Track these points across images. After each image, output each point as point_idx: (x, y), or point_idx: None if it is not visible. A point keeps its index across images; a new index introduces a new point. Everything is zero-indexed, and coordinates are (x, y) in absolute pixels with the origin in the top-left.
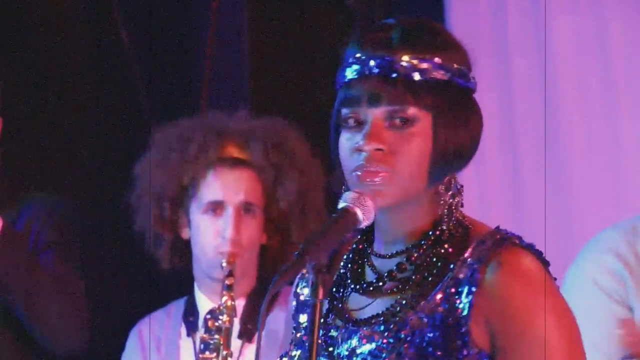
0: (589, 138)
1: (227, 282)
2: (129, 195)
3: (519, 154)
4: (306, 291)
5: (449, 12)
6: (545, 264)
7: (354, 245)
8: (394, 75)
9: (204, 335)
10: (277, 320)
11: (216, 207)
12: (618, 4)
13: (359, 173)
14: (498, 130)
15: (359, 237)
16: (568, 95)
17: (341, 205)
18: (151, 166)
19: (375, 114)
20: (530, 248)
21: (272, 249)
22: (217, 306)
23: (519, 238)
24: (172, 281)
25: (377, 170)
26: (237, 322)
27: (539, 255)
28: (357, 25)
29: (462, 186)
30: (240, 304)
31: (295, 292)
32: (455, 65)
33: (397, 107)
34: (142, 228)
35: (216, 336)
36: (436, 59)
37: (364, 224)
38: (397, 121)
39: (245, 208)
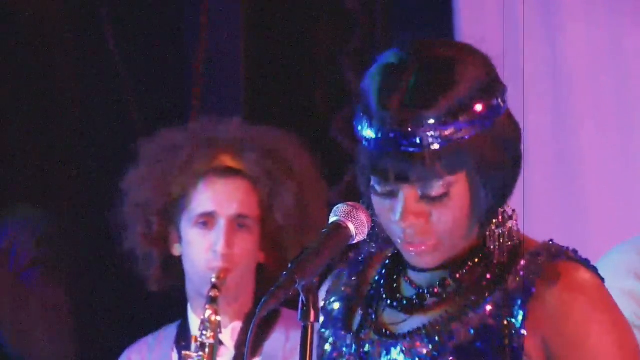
0: (603, 147)
1: (211, 294)
2: (117, 211)
3: (530, 165)
4: (337, 306)
5: (458, 16)
6: (601, 280)
7: (387, 261)
8: (419, 149)
9: (187, 352)
10: (276, 345)
11: (207, 220)
12: (633, 11)
13: (401, 243)
14: None
15: (393, 251)
16: (581, 104)
17: (332, 219)
18: (138, 178)
19: (405, 188)
20: (585, 263)
21: (270, 267)
22: (200, 321)
23: (575, 252)
24: (166, 303)
25: (420, 241)
26: (232, 346)
27: (594, 270)
28: (359, 32)
29: (514, 210)
30: (237, 326)
31: (324, 306)
32: (483, 106)
33: (428, 182)
34: (131, 245)
35: (200, 353)
36: (461, 118)
37: (357, 239)
38: (430, 191)
39: (238, 221)
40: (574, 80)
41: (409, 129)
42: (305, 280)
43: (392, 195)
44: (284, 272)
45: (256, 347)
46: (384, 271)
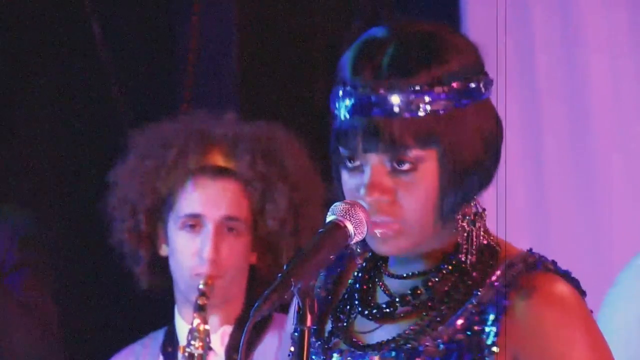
0: (623, 141)
1: (199, 302)
2: (103, 208)
3: (544, 162)
4: None
5: (464, 2)
6: (582, 293)
7: (364, 264)
8: (390, 116)
9: None
10: (268, 350)
11: (194, 222)
12: None
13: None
14: (521, 138)
15: (369, 255)
16: (599, 95)
17: (329, 218)
18: (126, 173)
19: (373, 159)
20: (566, 275)
21: (263, 270)
22: (188, 330)
23: (554, 263)
24: (155, 308)
25: (384, 221)
26: (222, 351)
27: (575, 283)
28: (361, 17)
29: (484, 209)
30: (227, 331)
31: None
32: (460, 85)
33: (397, 151)
34: (117, 243)
35: None
36: (436, 89)
37: (356, 239)
38: (399, 165)
39: (227, 224)
40: (592, 69)
41: (381, 94)
42: (301, 282)
43: (360, 171)
44: (279, 274)
45: (248, 352)
46: (359, 275)
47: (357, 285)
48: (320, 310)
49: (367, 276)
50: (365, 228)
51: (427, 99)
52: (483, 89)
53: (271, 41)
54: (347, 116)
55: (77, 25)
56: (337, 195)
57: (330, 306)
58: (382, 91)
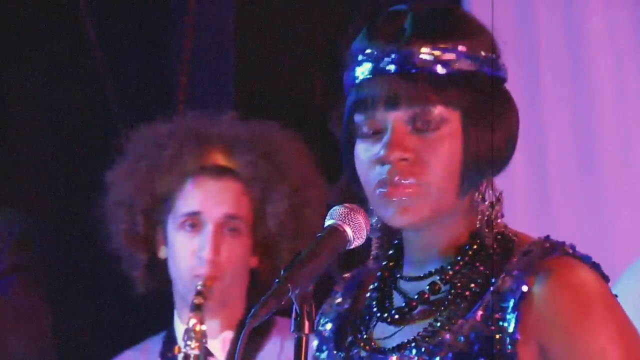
0: (627, 142)
1: (195, 301)
2: (99, 210)
3: (547, 162)
4: (329, 326)
5: (468, 4)
6: (604, 277)
7: (379, 273)
8: (414, 70)
9: None
10: (269, 356)
11: (193, 222)
12: None
13: (384, 190)
14: (524, 138)
15: (384, 263)
16: (603, 96)
17: (328, 222)
18: (121, 175)
19: (395, 117)
20: (585, 259)
21: (264, 273)
22: (184, 330)
23: (573, 247)
24: (153, 311)
25: (404, 183)
26: (223, 357)
27: (596, 267)
28: (360, 14)
29: (501, 193)
30: (228, 336)
31: (317, 329)
32: (483, 53)
33: (420, 108)
34: (114, 246)
35: None
36: (460, 47)
37: (355, 244)
38: (422, 124)
39: (228, 224)
40: (596, 78)
41: (403, 52)
42: (299, 288)
43: (379, 139)
44: (276, 280)
45: (248, 358)
46: (376, 284)
47: (375, 294)
48: (339, 326)
49: (383, 285)
50: (365, 233)
51: (449, 56)
52: (502, 67)
53: (268, 41)
54: (368, 77)
55: (71, 25)
56: (350, 184)
57: (349, 319)
58: (404, 49)
